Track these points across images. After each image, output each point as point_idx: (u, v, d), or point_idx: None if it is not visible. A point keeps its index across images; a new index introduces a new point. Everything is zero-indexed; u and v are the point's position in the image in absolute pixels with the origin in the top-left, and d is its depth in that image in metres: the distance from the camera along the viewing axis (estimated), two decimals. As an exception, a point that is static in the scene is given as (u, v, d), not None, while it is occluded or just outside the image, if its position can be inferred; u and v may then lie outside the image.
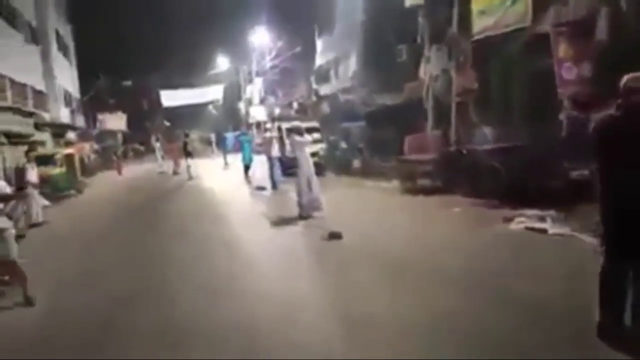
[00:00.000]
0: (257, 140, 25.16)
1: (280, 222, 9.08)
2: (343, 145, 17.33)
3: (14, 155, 16.51)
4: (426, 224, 8.29)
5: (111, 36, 52.22)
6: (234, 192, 14.79)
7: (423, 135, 17.70)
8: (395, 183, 13.50)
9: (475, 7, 10.95)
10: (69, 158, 18.35)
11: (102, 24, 49.18)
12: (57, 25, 30.21)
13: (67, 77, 31.65)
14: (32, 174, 10.93)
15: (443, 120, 13.19)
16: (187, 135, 20.03)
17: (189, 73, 48.02)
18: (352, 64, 27.45)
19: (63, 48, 31.61)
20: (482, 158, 9.64)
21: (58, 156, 17.49)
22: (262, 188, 14.36)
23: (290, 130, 16.56)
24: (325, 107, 28.30)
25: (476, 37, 11.04)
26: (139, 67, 50.65)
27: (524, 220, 7.29)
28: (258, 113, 39.22)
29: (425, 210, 9.52)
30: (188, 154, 19.12)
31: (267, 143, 14.02)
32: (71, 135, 27.96)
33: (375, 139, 18.07)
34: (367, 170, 16.76)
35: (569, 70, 9.29)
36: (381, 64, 22.16)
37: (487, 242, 6.68)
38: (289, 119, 18.26)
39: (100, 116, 38.43)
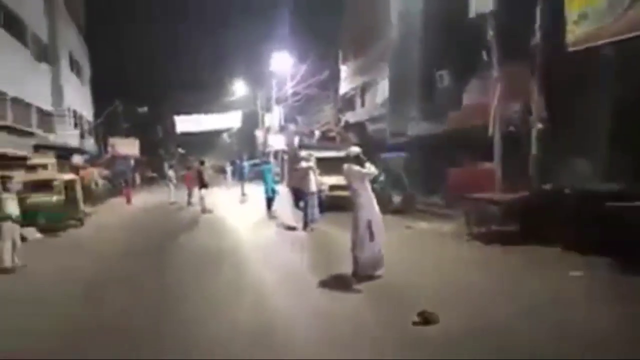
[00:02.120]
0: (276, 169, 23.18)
1: (332, 284, 6.62)
2: (381, 178, 14.99)
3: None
4: (540, 292, 5.84)
5: (129, 60, 51.51)
6: (259, 231, 12.45)
7: (472, 169, 15.37)
8: (451, 225, 11.15)
9: (571, 9, 8.71)
10: (70, 184, 16.24)
11: (120, 47, 48.22)
12: (71, 44, 28.83)
13: (78, 99, 30.09)
14: (11, 205, 8.70)
15: (512, 152, 10.86)
16: (202, 163, 17.85)
17: (205, 99, 46.59)
18: (382, 90, 25.50)
19: (76, 68, 30.18)
20: (595, 201, 7.26)
21: (56, 182, 15.36)
22: (292, 228, 12.03)
23: (330, 160, 14.36)
24: (352, 137, 26.11)
25: (572, 49, 8.78)
26: (155, 93, 49.52)
27: None
28: (276, 142, 37.23)
29: (524, 270, 7.08)
30: (203, 184, 16.89)
31: (303, 175, 11.72)
32: (78, 159, 26.04)
33: (418, 173, 15.75)
34: (409, 208, 14.40)
35: None
36: (418, 91, 20.08)
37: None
38: (319, 147, 16.15)
39: (111, 140, 36.67)
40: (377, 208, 6.71)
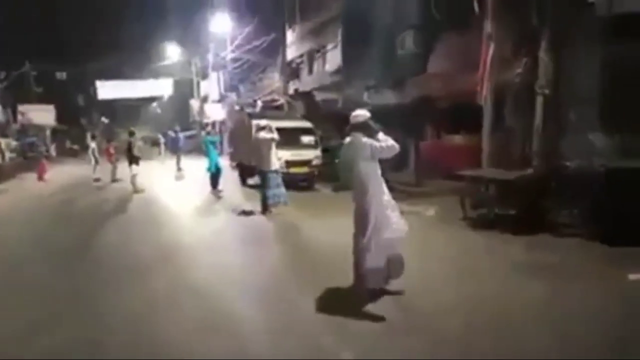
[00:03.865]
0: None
1: (333, 307, 4.72)
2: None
3: None
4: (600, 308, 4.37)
5: (43, 16, 45.52)
6: (207, 218, 10.32)
7: (449, 143, 13.99)
8: (433, 207, 9.70)
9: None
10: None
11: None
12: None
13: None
14: None
15: (500, 122, 9.45)
16: (132, 134, 15.07)
17: (134, 63, 42.17)
18: (334, 57, 23.55)
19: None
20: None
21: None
22: (248, 212, 9.98)
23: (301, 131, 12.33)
24: (299, 108, 24.05)
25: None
26: (75, 55, 44.14)
27: None
28: (214, 112, 34.32)
29: (561, 271, 5.62)
30: (133, 159, 14.25)
31: (262, 149, 9.61)
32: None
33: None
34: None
35: None
36: (377, 57, 18.32)
37: None
38: (271, 117, 13.98)
39: (21, 108, 32.00)
40: (388, 196, 4.85)
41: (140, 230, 8.85)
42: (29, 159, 24.07)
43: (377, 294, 4.73)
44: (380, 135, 4.79)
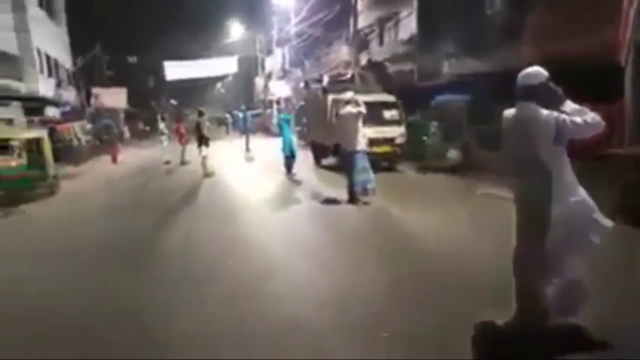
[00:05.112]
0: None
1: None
2: (432, 129, 11.64)
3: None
4: None
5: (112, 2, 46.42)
6: (286, 206, 9.06)
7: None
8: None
9: None
10: (35, 144, 12.88)
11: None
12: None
13: (52, 42, 25.94)
14: None
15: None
16: (201, 114, 14.26)
17: (199, 42, 42.02)
18: (407, 25, 21.63)
19: (47, 5, 25.84)
20: None
21: (15, 142, 11.98)
22: (332, 201, 8.76)
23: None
24: (371, 80, 22.42)
25: None
26: (143, 37, 44.79)
27: None
28: (279, 88, 33.35)
29: None
30: (203, 140, 13.46)
31: (348, 126, 8.28)
32: (54, 112, 22.36)
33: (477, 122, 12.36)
34: (472, 166, 11.11)
35: None
36: (458, 20, 16.28)
37: None
38: (349, 90, 12.59)
39: (95, 91, 32.62)
40: (582, 192, 3.29)
41: (212, 226, 7.72)
42: (104, 141, 24.37)
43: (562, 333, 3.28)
44: (569, 104, 3.21)
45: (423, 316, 3.86)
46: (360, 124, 8.24)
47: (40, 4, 24.05)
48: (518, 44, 13.60)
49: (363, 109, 8.23)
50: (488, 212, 7.16)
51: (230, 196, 10.53)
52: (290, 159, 12.04)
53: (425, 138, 11.77)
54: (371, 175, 8.31)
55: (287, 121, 12.15)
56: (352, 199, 8.27)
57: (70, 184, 14.18)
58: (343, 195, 8.72)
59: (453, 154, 11.38)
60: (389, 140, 11.80)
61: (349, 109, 8.21)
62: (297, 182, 11.43)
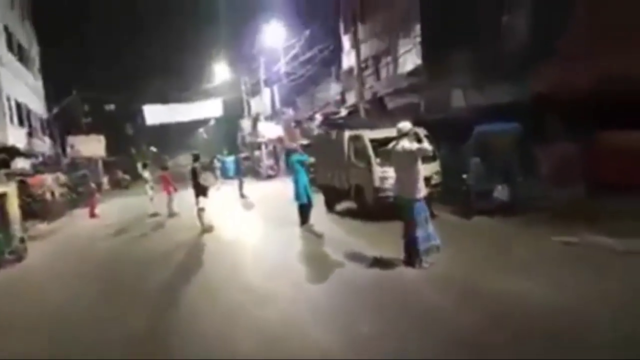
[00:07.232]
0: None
1: None
2: (474, 165, 9.87)
3: None
4: None
5: (89, 46, 44.91)
6: (329, 277, 6.68)
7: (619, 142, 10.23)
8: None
9: None
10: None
11: (72, 33, 41.36)
12: (8, 20, 22.64)
13: (24, 90, 23.96)
14: None
15: None
16: (196, 159, 12.25)
17: (180, 87, 40.38)
18: (408, 57, 20.42)
19: (20, 54, 24.03)
20: None
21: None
22: (385, 263, 6.73)
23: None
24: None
25: None
26: (122, 82, 43.04)
27: None
28: (269, 130, 31.65)
29: None
30: (199, 189, 11.42)
31: (405, 165, 6.40)
32: (23, 163, 20.12)
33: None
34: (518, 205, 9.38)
35: None
36: (471, 48, 14.96)
37: None
38: (362, 126, 10.87)
39: (71, 140, 30.41)
40: None
41: (230, 315, 5.52)
42: (81, 194, 22.10)
43: None
44: None
45: None
46: (420, 164, 6.40)
47: (10, 47, 22.19)
48: (551, 67, 12.23)
49: (427, 145, 6.40)
50: (587, 268, 5.74)
51: (243, 261, 8.28)
52: (306, 207, 10.10)
53: (464, 176, 9.98)
54: (432, 228, 6.41)
55: (302, 163, 10.22)
56: (412, 260, 6.30)
57: (41, 246, 11.96)
58: (389, 252, 6.80)
59: (502, 193, 9.63)
60: (425, 180, 9.94)
61: (407, 144, 6.36)
62: (318, 235, 9.42)
